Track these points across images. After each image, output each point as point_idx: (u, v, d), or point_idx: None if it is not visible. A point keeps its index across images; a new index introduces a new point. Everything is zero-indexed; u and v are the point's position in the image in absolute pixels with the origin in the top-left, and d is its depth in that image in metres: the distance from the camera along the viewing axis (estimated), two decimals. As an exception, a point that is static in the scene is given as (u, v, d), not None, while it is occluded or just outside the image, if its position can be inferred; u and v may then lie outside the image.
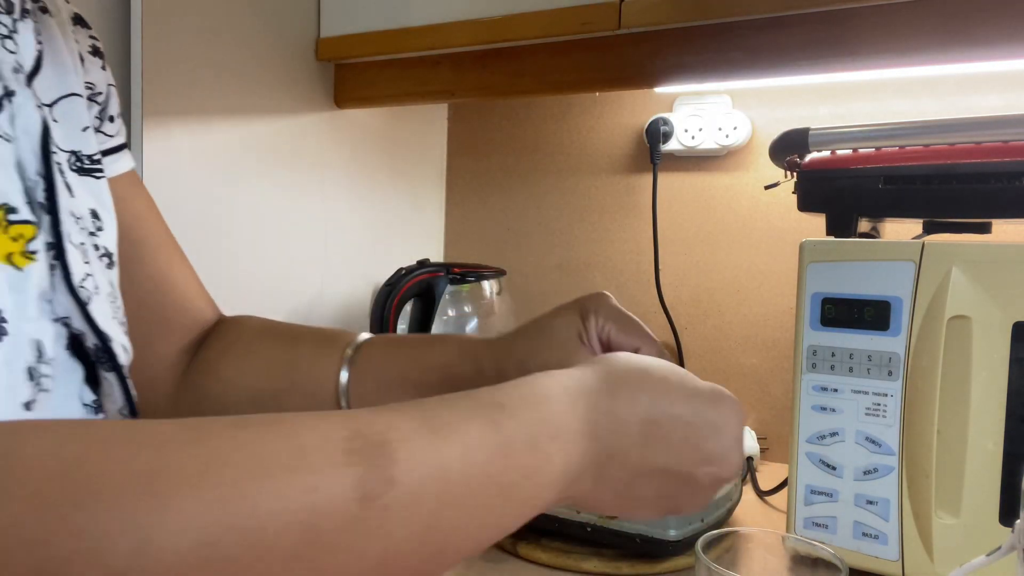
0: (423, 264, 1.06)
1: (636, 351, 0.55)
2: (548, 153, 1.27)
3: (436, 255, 1.37)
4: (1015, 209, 0.71)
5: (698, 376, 0.44)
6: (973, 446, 0.66)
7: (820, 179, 0.80)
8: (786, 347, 1.08)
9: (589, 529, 0.73)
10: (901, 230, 0.92)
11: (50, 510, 0.22)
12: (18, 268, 0.39)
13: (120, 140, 0.58)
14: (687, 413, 0.41)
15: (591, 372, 0.40)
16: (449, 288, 1.06)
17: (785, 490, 0.76)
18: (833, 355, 0.71)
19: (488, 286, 1.14)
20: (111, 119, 0.57)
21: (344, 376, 0.57)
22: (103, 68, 0.56)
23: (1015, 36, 0.71)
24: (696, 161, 1.14)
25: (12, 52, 0.43)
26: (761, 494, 0.93)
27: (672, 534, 0.72)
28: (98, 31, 0.59)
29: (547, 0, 0.90)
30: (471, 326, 1.13)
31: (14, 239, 0.39)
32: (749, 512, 0.88)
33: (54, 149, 0.44)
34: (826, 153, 0.81)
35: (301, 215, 1.10)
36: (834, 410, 0.72)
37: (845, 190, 0.78)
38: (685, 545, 0.73)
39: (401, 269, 1.05)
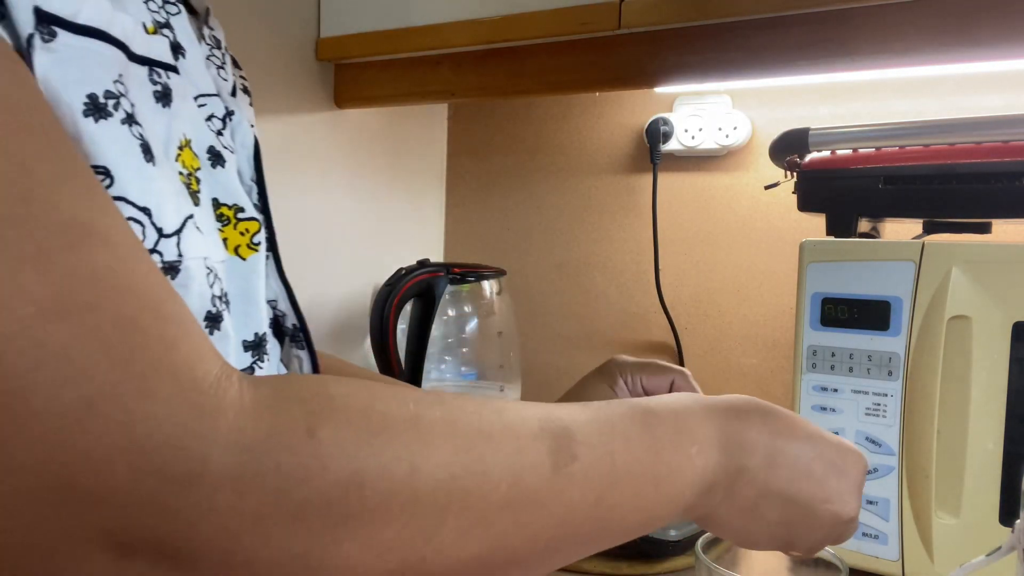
0: (423, 264, 1.06)
1: (672, 385, 0.62)
2: (548, 153, 1.27)
3: (436, 255, 1.37)
4: (1015, 209, 0.71)
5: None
6: (973, 446, 0.66)
7: (820, 179, 0.80)
8: (786, 347, 1.08)
9: (589, 529, 0.73)
10: (901, 230, 0.92)
11: (360, 436, 0.29)
12: (243, 259, 0.47)
13: None
14: (810, 450, 0.45)
15: (722, 399, 0.45)
16: (449, 288, 1.06)
17: (785, 490, 0.76)
18: (833, 355, 0.71)
19: (488, 286, 1.14)
20: None
21: None
22: (250, 105, 0.64)
23: (1015, 36, 0.71)
24: (696, 161, 1.14)
25: (225, 80, 0.53)
26: (761, 494, 0.93)
27: (672, 534, 0.72)
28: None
29: (547, 0, 0.90)
30: (471, 326, 1.13)
31: (242, 234, 0.47)
32: (749, 512, 0.88)
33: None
34: (826, 153, 0.81)
35: (301, 215, 1.10)
36: (834, 410, 0.72)
37: (845, 190, 0.78)
38: (685, 545, 0.73)
39: (401, 269, 1.05)
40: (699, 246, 1.14)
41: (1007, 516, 0.65)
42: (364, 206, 1.20)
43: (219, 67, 0.53)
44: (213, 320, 0.41)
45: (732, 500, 0.42)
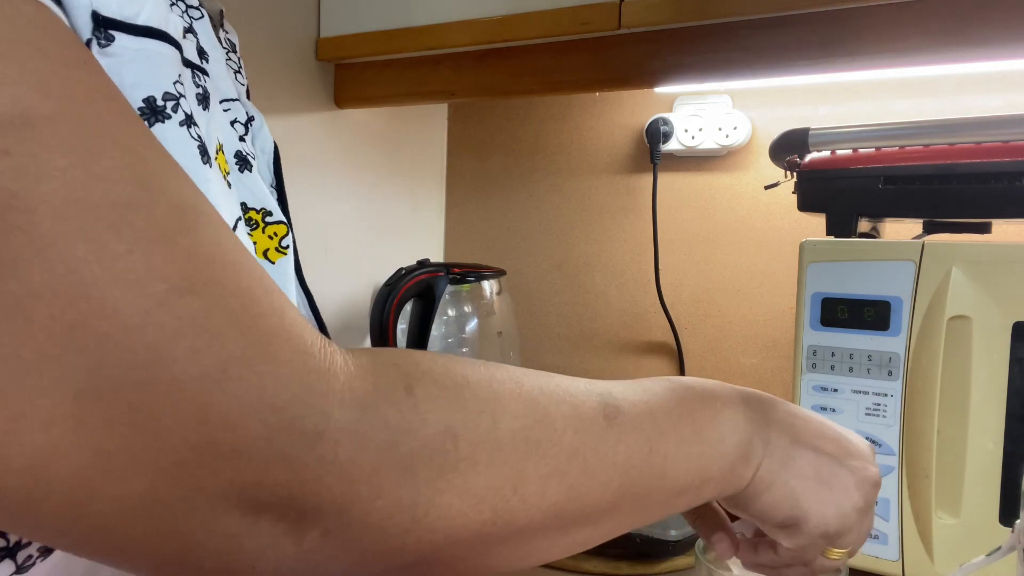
0: (423, 264, 1.06)
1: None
2: (548, 153, 1.27)
3: (436, 255, 1.37)
4: (1015, 209, 0.71)
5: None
6: (973, 446, 0.66)
7: (820, 179, 0.80)
8: (786, 347, 1.08)
9: (589, 529, 0.73)
10: (901, 230, 0.92)
11: (448, 392, 0.33)
12: (272, 262, 0.48)
13: None
14: (821, 420, 0.48)
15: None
16: (449, 288, 1.06)
17: (785, 490, 0.76)
18: (833, 355, 0.71)
19: (488, 286, 1.14)
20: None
21: None
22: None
23: (1015, 36, 0.71)
24: (696, 161, 1.14)
25: (243, 84, 0.53)
26: (761, 494, 0.93)
27: (672, 534, 0.72)
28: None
29: (547, 0, 0.90)
30: (471, 326, 1.13)
31: (270, 237, 0.48)
32: (749, 512, 0.88)
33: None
34: (826, 153, 0.81)
35: (301, 215, 1.10)
36: (834, 410, 0.72)
37: (845, 190, 0.78)
38: (685, 545, 0.73)
39: (401, 269, 1.05)
40: (699, 246, 1.14)
41: (1007, 516, 0.65)
42: (364, 206, 1.20)
43: (236, 71, 0.53)
44: None
45: (771, 453, 0.44)
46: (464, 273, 1.09)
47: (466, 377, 0.34)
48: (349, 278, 1.18)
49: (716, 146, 1.10)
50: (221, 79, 0.47)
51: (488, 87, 1.01)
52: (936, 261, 0.67)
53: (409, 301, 1.04)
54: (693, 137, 1.11)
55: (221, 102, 0.47)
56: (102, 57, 0.33)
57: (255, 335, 0.28)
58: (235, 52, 0.55)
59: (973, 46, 0.73)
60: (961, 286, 0.66)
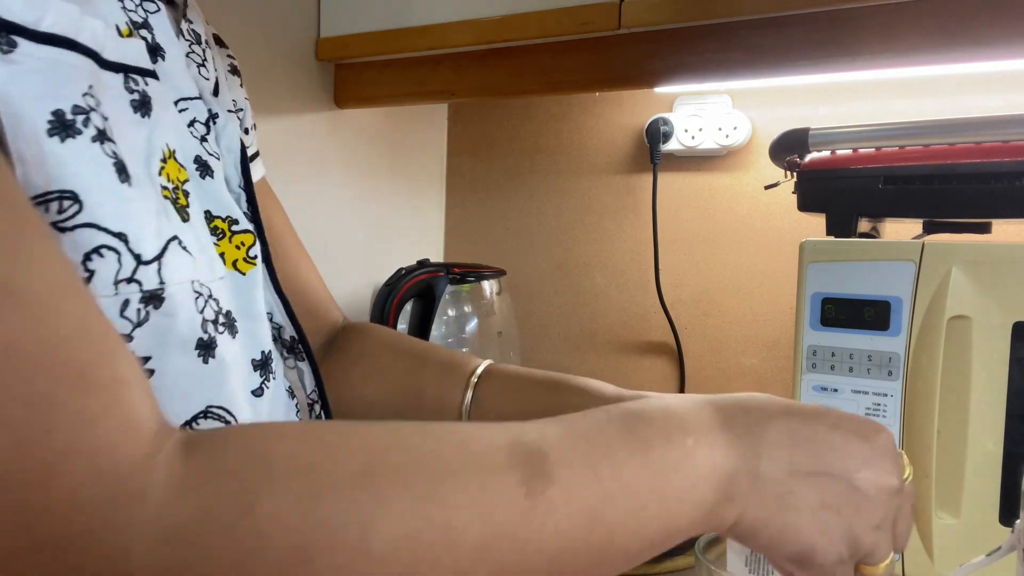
0: (423, 264, 1.06)
1: None
2: (548, 153, 1.27)
3: (436, 255, 1.37)
4: (1015, 209, 0.71)
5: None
6: (973, 446, 0.66)
7: (820, 179, 0.80)
8: (786, 347, 1.08)
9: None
10: (901, 230, 0.92)
11: (303, 503, 0.27)
12: (243, 273, 0.44)
13: (255, 149, 0.63)
14: (824, 422, 0.40)
15: (716, 396, 0.42)
16: (449, 288, 1.06)
17: (785, 490, 0.76)
18: (833, 355, 0.71)
19: (488, 286, 1.14)
20: (246, 131, 0.61)
21: (467, 404, 0.58)
22: (240, 86, 0.60)
23: (1015, 36, 0.71)
24: (696, 161, 1.14)
25: (207, 79, 0.49)
26: (761, 494, 0.93)
27: (672, 534, 0.72)
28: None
29: (547, 0, 0.90)
30: (471, 326, 1.13)
31: (238, 247, 0.44)
32: (749, 512, 0.88)
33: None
34: (826, 153, 0.81)
35: (301, 215, 1.10)
36: (834, 410, 0.72)
37: (845, 190, 0.78)
38: (685, 545, 0.73)
39: (401, 269, 1.05)
40: (699, 246, 1.14)
41: (1007, 516, 0.65)
42: (364, 206, 1.20)
43: (200, 64, 0.49)
44: (205, 348, 0.38)
45: (761, 484, 0.37)
46: (464, 273, 1.09)
47: (334, 475, 0.28)
48: (349, 278, 1.18)
49: (716, 146, 1.10)
50: (180, 77, 0.44)
51: (488, 87, 1.01)
52: (936, 261, 0.67)
53: (409, 301, 1.04)
54: (693, 137, 1.11)
55: (177, 102, 0.44)
56: (4, 65, 0.30)
57: (38, 454, 0.24)
58: (199, 44, 0.50)
59: (973, 46, 0.73)
60: (961, 286, 0.66)
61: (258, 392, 0.44)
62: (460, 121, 1.35)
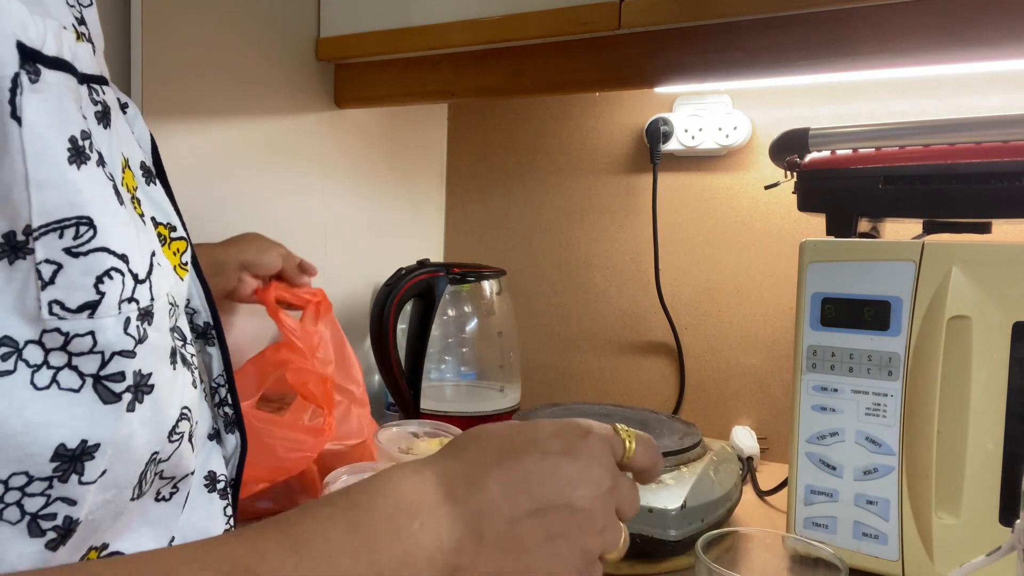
0: (423, 264, 1.06)
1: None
2: (548, 153, 1.27)
3: (436, 255, 1.37)
4: (1015, 209, 0.71)
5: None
6: (973, 446, 0.66)
7: (820, 179, 0.80)
8: (786, 347, 1.08)
9: (589, 529, 0.73)
10: (901, 230, 0.92)
11: None
12: (180, 279, 0.43)
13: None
14: (535, 454, 0.42)
15: (436, 451, 0.43)
16: (449, 288, 1.06)
17: (785, 490, 0.76)
18: (833, 355, 0.71)
19: (488, 286, 1.14)
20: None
21: None
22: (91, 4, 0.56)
23: (1015, 36, 0.71)
24: (696, 161, 1.14)
25: (90, 42, 0.44)
26: (761, 494, 0.93)
27: (672, 534, 0.72)
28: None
29: (547, 0, 0.90)
30: (471, 326, 1.13)
31: (175, 253, 0.44)
32: (749, 512, 0.88)
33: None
34: (826, 153, 0.81)
35: (301, 215, 1.10)
36: (834, 410, 0.72)
37: (845, 190, 0.78)
38: (685, 545, 0.73)
39: (401, 269, 1.05)
40: (699, 246, 1.14)
41: (1007, 516, 0.65)
42: (364, 206, 1.20)
43: (89, 40, 0.40)
44: (174, 354, 0.39)
45: (487, 544, 0.39)
46: (464, 273, 1.09)
47: None
48: (349, 278, 1.18)
49: (716, 146, 1.10)
50: (88, 60, 0.39)
51: (488, 87, 1.01)
52: (936, 261, 0.67)
53: (409, 301, 1.04)
54: (693, 137, 1.11)
55: (90, 84, 0.39)
56: (34, 94, 0.29)
57: None
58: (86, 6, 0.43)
59: (973, 46, 0.73)
60: (961, 286, 0.66)
61: (192, 385, 0.45)
62: (460, 121, 1.35)
